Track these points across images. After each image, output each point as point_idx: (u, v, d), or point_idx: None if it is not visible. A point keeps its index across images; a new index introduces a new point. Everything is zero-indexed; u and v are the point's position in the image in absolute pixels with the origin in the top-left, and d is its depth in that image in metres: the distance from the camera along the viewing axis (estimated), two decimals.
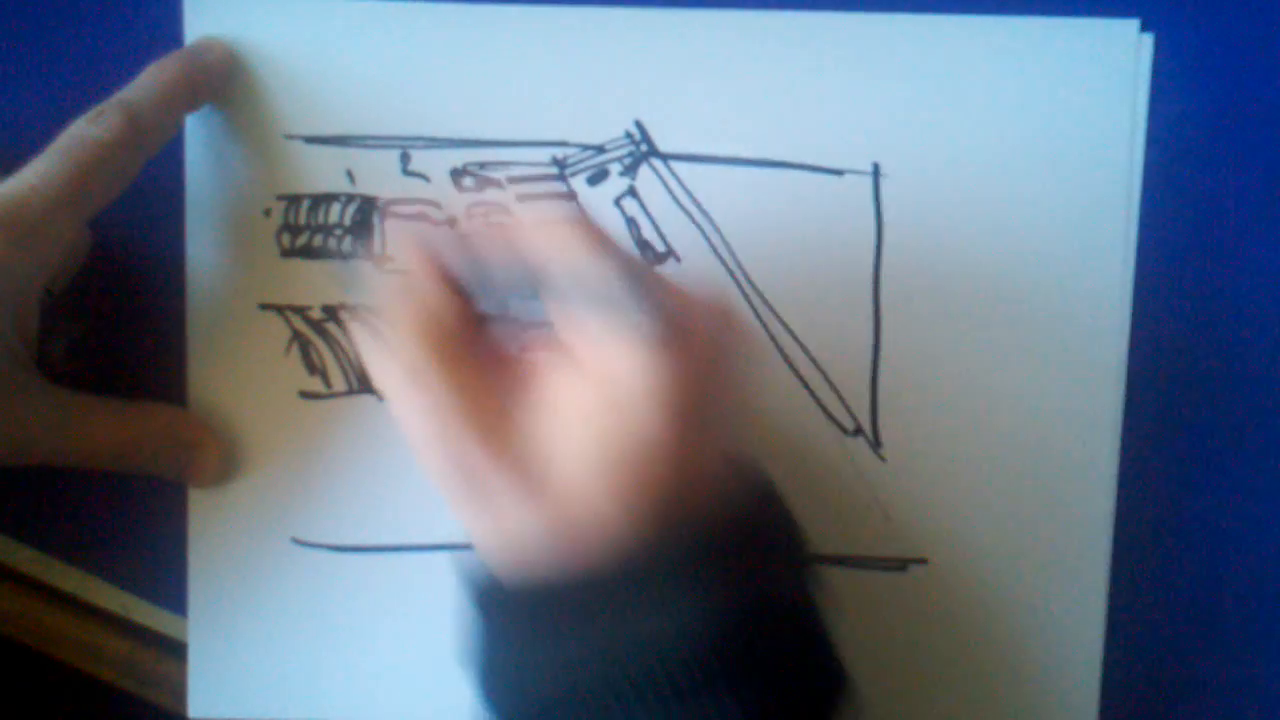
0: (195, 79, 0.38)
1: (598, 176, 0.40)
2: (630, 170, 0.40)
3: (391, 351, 0.32)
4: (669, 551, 0.30)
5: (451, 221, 0.40)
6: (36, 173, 0.35)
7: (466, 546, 0.41)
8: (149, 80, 0.38)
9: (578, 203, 0.37)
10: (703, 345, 0.31)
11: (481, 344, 0.33)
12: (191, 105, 0.39)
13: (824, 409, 0.41)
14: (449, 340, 0.32)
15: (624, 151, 0.40)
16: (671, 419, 0.30)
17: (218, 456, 0.40)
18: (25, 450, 0.36)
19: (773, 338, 0.40)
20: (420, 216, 0.40)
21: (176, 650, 0.42)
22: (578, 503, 0.30)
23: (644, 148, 0.40)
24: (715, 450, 0.32)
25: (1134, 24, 0.39)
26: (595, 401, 0.30)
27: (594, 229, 0.32)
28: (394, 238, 0.35)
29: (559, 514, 0.31)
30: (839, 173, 0.40)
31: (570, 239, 0.31)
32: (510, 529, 0.31)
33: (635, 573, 0.30)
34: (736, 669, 0.29)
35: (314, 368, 0.41)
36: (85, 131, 0.35)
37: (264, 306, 0.41)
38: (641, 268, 0.32)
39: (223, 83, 0.39)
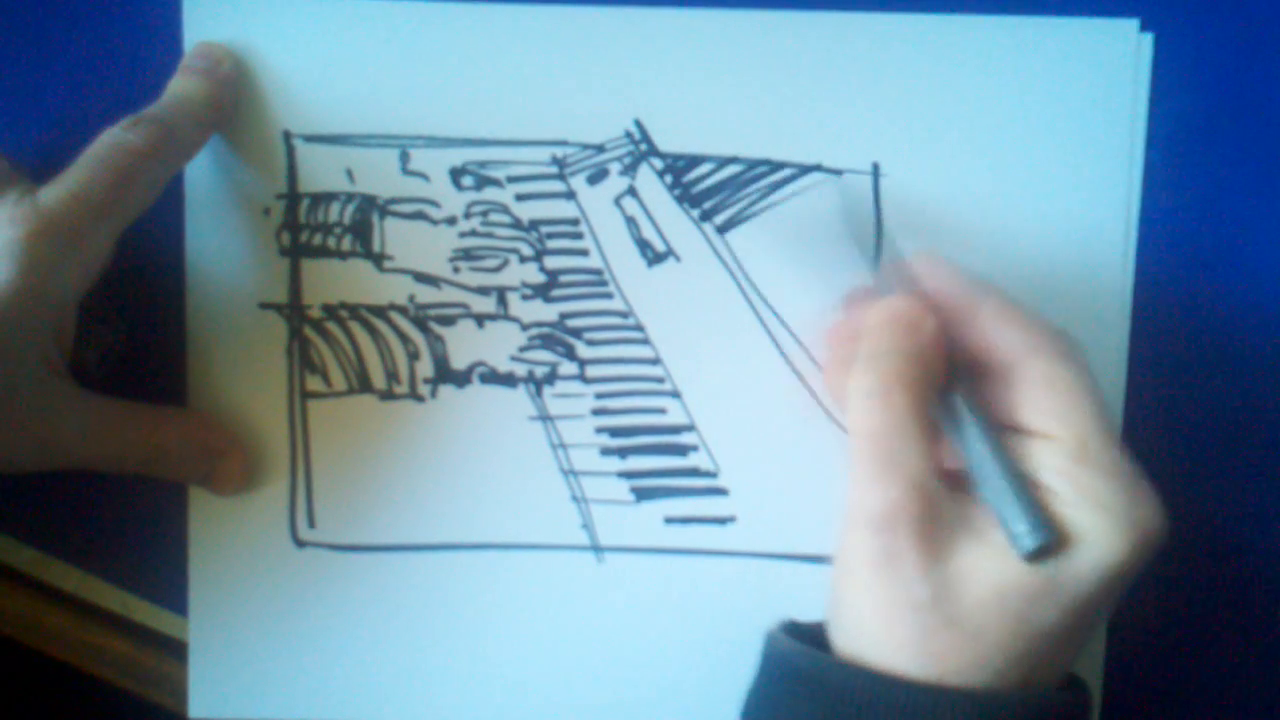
0: (218, 94, 0.38)
1: (597, 176, 0.40)
2: (630, 170, 0.40)
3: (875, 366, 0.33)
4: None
5: (451, 221, 0.40)
6: (78, 181, 0.34)
7: (468, 546, 0.41)
8: (177, 97, 0.38)
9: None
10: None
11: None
12: (217, 122, 0.39)
13: (824, 409, 0.41)
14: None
15: (624, 151, 0.40)
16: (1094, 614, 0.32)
17: (242, 464, 0.40)
18: (59, 456, 0.36)
19: (773, 337, 0.40)
20: (420, 216, 0.40)
21: (177, 650, 0.42)
22: (973, 638, 0.31)
23: (644, 147, 0.40)
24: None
25: (1134, 24, 0.39)
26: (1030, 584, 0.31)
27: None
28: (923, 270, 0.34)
29: (949, 634, 0.31)
30: (839, 173, 0.40)
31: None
32: (890, 596, 0.31)
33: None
34: None
35: (314, 367, 0.41)
36: (122, 140, 0.35)
37: (264, 306, 0.41)
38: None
39: (236, 95, 0.40)
